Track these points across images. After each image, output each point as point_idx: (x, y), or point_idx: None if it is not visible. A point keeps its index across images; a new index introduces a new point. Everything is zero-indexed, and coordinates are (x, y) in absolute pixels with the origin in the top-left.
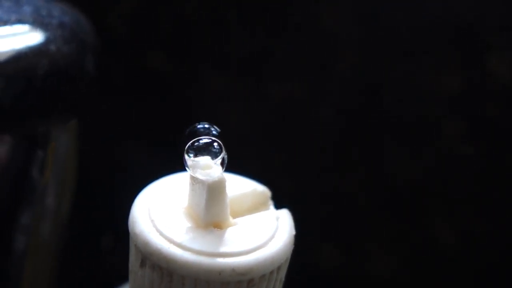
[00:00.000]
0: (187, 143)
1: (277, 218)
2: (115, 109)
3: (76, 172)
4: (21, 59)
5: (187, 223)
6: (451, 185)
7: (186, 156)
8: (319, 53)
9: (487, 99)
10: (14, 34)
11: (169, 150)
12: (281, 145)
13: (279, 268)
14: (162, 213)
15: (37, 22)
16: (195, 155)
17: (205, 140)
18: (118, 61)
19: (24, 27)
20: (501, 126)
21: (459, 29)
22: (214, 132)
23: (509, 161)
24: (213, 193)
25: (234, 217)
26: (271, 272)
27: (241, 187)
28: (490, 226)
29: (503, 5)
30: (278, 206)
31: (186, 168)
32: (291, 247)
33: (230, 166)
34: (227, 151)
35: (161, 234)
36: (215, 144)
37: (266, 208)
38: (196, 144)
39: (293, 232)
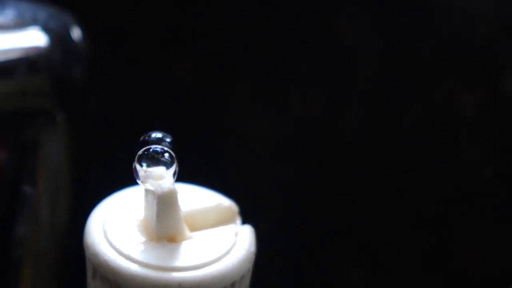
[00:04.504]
0: (138, 152)
1: (236, 234)
2: (141, 118)
3: (72, 181)
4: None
5: (140, 236)
6: (472, 206)
7: (137, 166)
8: (339, 67)
9: (505, 121)
10: None
11: (192, 161)
12: (302, 157)
13: (233, 285)
14: (116, 225)
15: (18, 27)
16: (148, 165)
17: (157, 149)
18: (145, 72)
19: (5, 32)
20: None
21: (477, 48)
22: (167, 142)
23: None
24: (164, 204)
25: (195, 231)
26: None
27: (206, 201)
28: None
29: None
30: (295, 220)
31: (136, 178)
32: (248, 264)
33: (249, 176)
34: (247, 161)
35: (111, 245)
36: (166, 154)
37: (232, 224)
38: (146, 153)
39: (252, 249)
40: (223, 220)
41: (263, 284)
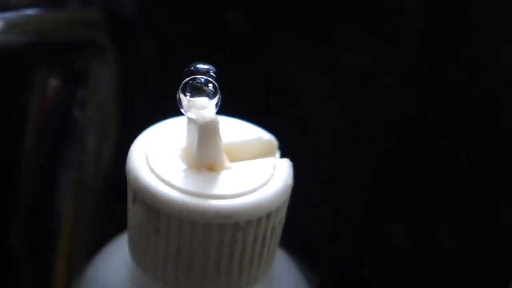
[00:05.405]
0: (183, 81)
1: (274, 166)
2: (188, 60)
3: (119, 116)
4: None
5: (181, 164)
6: None
7: (181, 95)
8: (384, 20)
9: None
10: None
11: (240, 111)
12: (346, 113)
13: (268, 216)
14: (158, 152)
15: None
16: (192, 95)
17: (201, 79)
18: (196, 18)
19: None
20: None
21: None
22: (212, 73)
23: None
24: (205, 133)
25: (234, 162)
26: (259, 219)
27: (247, 134)
28: None
29: None
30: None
31: (179, 107)
32: (284, 196)
33: (296, 129)
34: (297, 112)
35: (152, 171)
36: (210, 84)
37: (272, 157)
38: (190, 83)
39: (289, 181)
40: (262, 153)
41: (301, 237)
